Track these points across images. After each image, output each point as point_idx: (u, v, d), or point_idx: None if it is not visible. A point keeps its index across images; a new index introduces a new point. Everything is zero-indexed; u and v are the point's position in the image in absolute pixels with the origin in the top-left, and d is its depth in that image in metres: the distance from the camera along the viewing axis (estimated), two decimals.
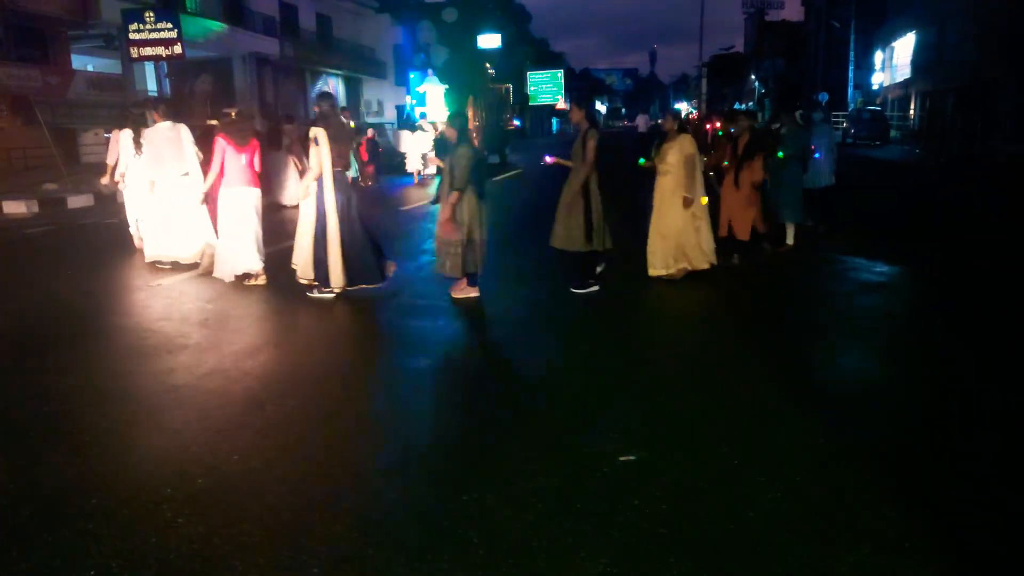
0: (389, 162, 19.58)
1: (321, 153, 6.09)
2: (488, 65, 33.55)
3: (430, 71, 26.46)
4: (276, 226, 9.21)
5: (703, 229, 6.91)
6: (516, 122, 39.41)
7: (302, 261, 6.35)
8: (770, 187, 8.20)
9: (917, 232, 10.12)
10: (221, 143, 6.71)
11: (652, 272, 6.89)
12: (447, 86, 25.98)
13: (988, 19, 26.35)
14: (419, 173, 18.18)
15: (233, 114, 8.26)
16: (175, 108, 8.07)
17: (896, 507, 2.99)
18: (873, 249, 8.47)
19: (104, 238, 9.77)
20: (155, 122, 7.63)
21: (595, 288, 6.54)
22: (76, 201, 13.47)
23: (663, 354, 5.11)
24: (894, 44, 39.44)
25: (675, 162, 6.70)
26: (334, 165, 6.15)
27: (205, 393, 4.40)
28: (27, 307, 6.48)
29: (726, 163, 7.77)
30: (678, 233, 6.78)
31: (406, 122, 22.37)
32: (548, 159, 6.92)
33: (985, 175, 18.93)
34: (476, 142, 6.36)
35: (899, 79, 38.44)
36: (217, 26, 25.44)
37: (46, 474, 3.33)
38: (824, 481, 3.22)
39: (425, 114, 21.21)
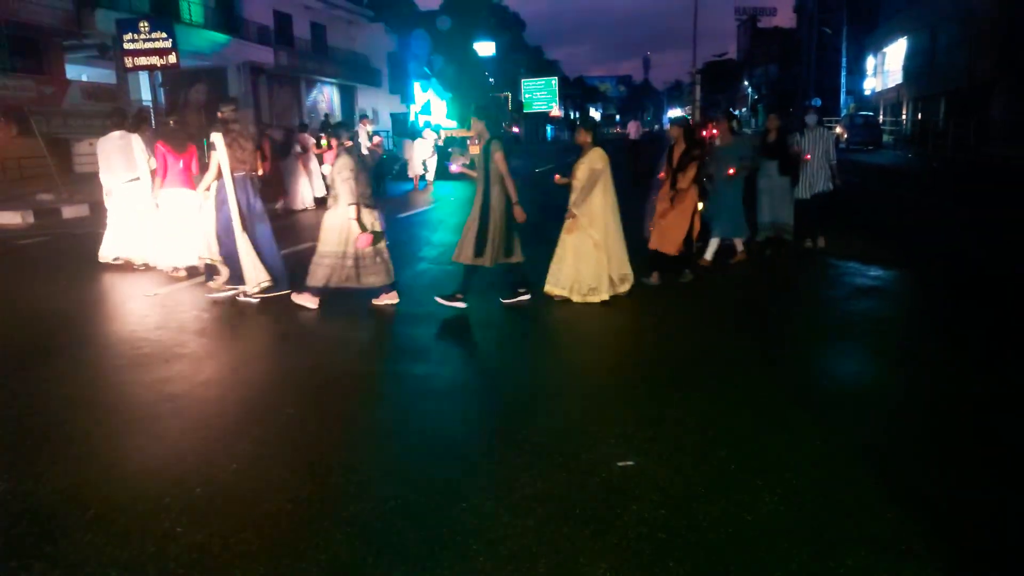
0: (387, 169, 19.79)
1: (219, 157, 6.44)
2: (487, 74, 34.23)
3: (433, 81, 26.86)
4: (285, 230, 9.20)
5: (614, 257, 6.43)
6: (516, 129, 40.02)
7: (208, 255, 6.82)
8: (708, 200, 7.60)
9: (910, 236, 10.17)
10: (161, 149, 7.54)
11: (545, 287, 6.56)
12: (450, 95, 26.35)
13: (978, 23, 26.57)
14: (420, 178, 18.71)
15: (172, 122, 8.69)
16: (124, 116, 8.55)
17: (894, 509, 3.00)
18: (867, 253, 8.51)
19: (99, 248, 9.73)
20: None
21: (461, 304, 6.27)
22: (71, 211, 13.44)
23: (659, 360, 5.12)
24: (886, 49, 39.73)
25: (583, 178, 6.30)
26: (235, 169, 6.48)
27: (202, 402, 4.40)
28: (22, 317, 6.47)
29: (661, 174, 7.19)
30: (577, 258, 6.36)
31: (409, 130, 22.96)
32: (452, 167, 6.79)
33: (979, 179, 19.04)
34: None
35: (891, 84, 38.70)
36: (223, 38, 25.51)
37: (43, 484, 3.32)
38: (821, 484, 3.23)
39: (429, 123, 21.49)
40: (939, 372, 4.79)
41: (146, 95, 23.30)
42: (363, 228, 6.03)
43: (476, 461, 3.53)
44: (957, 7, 28.50)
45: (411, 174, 18.77)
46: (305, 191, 14.10)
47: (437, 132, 20.18)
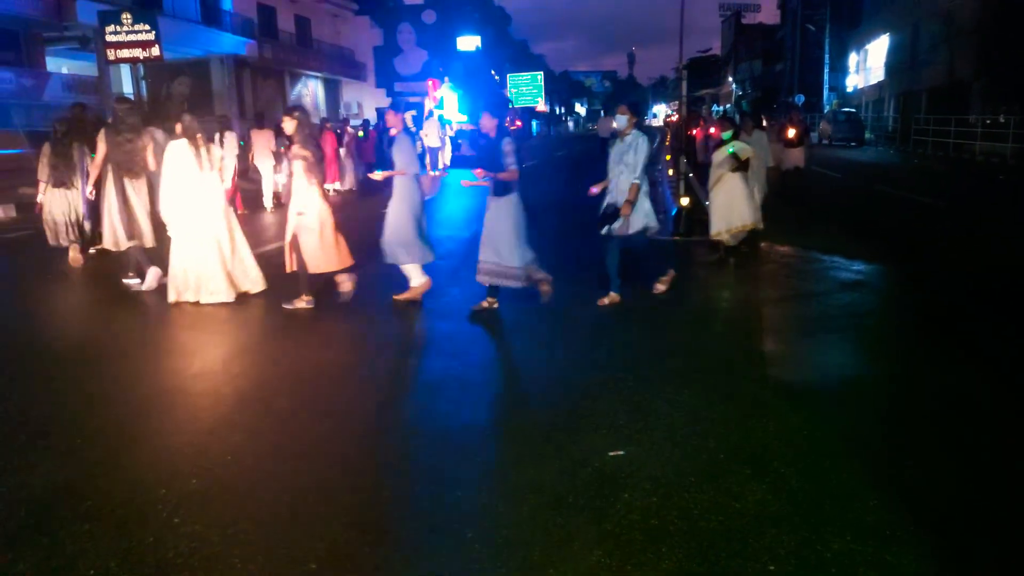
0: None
1: (100, 153, 6.72)
2: (493, 72, 35.74)
3: (446, 79, 28.23)
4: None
5: (239, 252, 6.56)
6: (519, 124, 40.93)
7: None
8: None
9: (893, 232, 10.32)
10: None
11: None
12: (461, 91, 27.46)
13: (960, 22, 26.89)
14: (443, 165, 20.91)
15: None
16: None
17: (877, 496, 3.08)
18: (850, 249, 8.63)
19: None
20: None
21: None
22: None
23: (648, 354, 5.19)
24: (868, 47, 40.08)
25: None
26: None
27: (195, 395, 4.41)
28: (8, 313, 6.43)
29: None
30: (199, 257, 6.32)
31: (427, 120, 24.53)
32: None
33: (959, 175, 19.31)
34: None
35: (873, 81, 39.06)
36: (206, 30, 25.28)
37: (40, 477, 3.33)
38: (808, 473, 3.31)
39: (442, 116, 22.78)
40: (921, 364, 4.90)
41: (128, 88, 23.07)
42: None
43: (470, 452, 3.58)
44: (939, 5, 28.82)
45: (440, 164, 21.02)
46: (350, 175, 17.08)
47: (447, 125, 22.40)
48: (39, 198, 8.08)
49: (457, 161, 22.19)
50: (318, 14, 35.59)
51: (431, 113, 26.52)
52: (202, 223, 6.32)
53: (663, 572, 2.61)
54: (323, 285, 6.37)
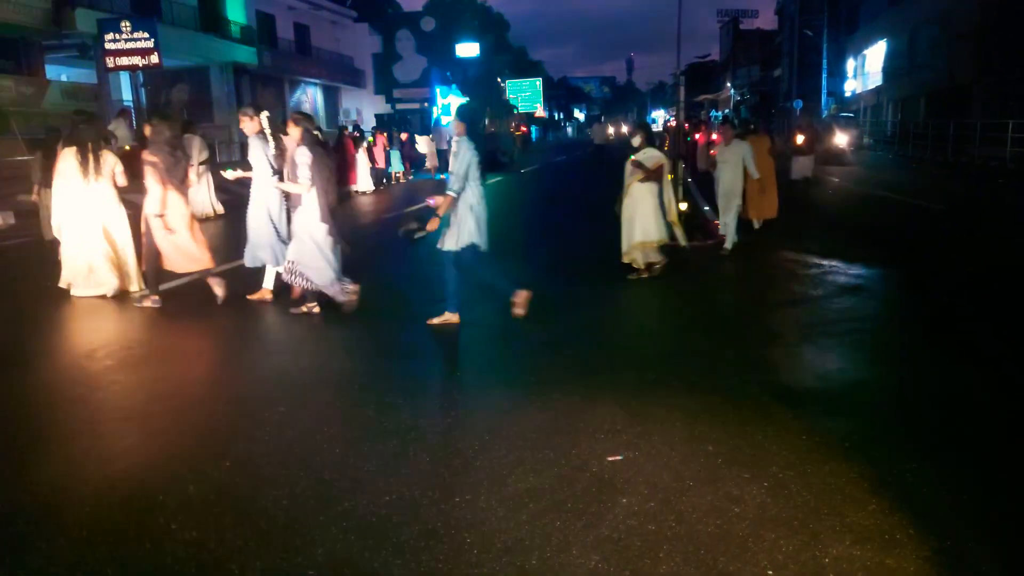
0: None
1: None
2: (500, 80, 37.38)
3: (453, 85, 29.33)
4: None
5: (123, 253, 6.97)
6: (524, 129, 42.10)
7: None
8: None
9: (892, 235, 10.33)
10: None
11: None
12: (467, 98, 28.33)
13: (958, 25, 26.94)
14: (435, 170, 22.34)
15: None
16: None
17: (876, 500, 3.08)
18: (849, 252, 8.63)
19: None
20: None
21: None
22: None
23: (644, 357, 5.19)
24: (866, 52, 40.16)
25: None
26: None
27: (192, 401, 4.41)
28: (4, 320, 6.42)
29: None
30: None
31: (432, 128, 26.72)
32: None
33: (959, 179, 19.33)
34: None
35: (871, 86, 39.12)
36: (205, 38, 25.34)
37: (37, 484, 3.32)
38: (807, 476, 3.30)
39: (447, 124, 24.28)
40: (920, 368, 4.90)
41: (127, 95, 23.13)
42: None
43: (469, 457, 3.57)
44: (937, 9, 28.88)
45: (428, 166, 23.04)
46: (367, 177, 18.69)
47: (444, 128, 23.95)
48: (33, 197, 9.22)
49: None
50: (317, 21, 35.71)
51: (437, 120, 27.86)
52: (88, 224, 6.81)
53: None
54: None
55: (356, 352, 5.48)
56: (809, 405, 4.19)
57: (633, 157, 7.14)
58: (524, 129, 41.28)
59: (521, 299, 5.74)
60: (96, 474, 3.42)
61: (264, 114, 6.40)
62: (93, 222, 6.83)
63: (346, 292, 6.06)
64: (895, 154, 29.72)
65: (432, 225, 5.56)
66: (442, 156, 23.38)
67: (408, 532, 2.90)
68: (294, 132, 5.88)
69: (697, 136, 20.39)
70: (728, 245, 8.72)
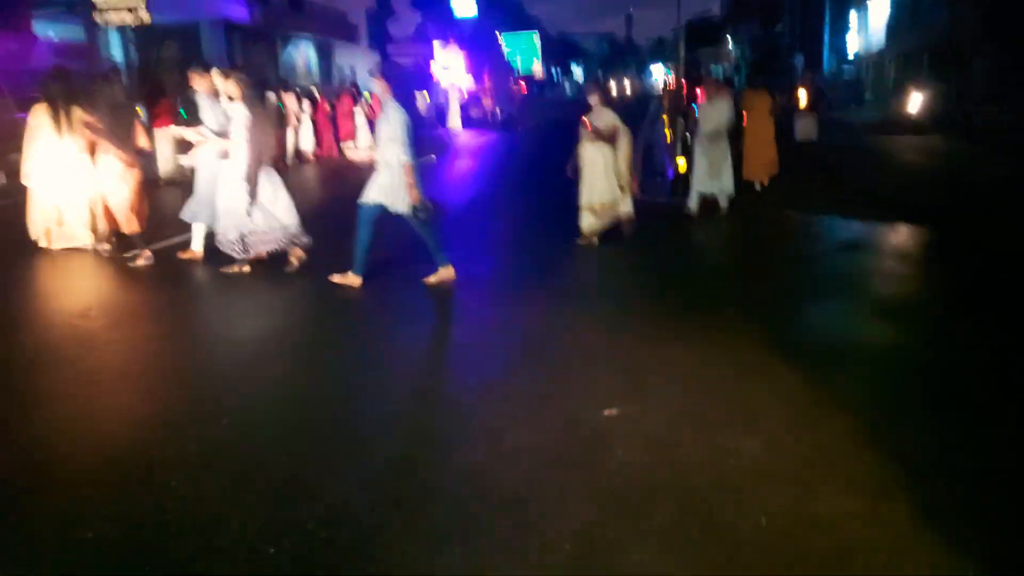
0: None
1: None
2: (498, 34, 37.27)
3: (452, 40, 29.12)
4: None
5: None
6: (523, 88, 42.05)
7: None
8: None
9: (890, 192, 10.26)
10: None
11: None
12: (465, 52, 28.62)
13: None
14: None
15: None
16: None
17: (872, 454, 3.11)
18: (848, 209, 8.58)
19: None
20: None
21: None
22: None
23: (642, 313, 5.18)
24: (868, 6, 39.44)
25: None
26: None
27: (189, 360, 4.42)
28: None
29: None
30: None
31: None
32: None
33: (960, 137, 19.15)
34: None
35: (873, 42, 38.52)
36: None
37: (35, 442, 3.33)
38: (802, 431, 3.33)
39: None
40: (918, 326, 4.91)
41: (117, 53, 22.70)
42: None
43: (467, 414, 3.59)
44: None
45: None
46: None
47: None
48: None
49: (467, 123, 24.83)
50: None
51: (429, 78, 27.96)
52: (59, 178, 6.87)
53: (656, 526, 2.64)
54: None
55: (354, 311, 5.47)
56: (805, 362, 4.19)
57: (585, 118, 6.86)
58: (524, 89, 41.41)
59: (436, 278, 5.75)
60: (94, 431, 3.44)
61: (214, 71, 6.25)
62: (64, 177, 6.90)
63: (293, 247, 6.18)
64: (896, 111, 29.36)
65: (414, 196, 5.44)
66: (439, 112, 25.44)
67: (407, 487, 2.93)
68: (228, 86, 5.80)
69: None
70: (693, 206, 8.31)
